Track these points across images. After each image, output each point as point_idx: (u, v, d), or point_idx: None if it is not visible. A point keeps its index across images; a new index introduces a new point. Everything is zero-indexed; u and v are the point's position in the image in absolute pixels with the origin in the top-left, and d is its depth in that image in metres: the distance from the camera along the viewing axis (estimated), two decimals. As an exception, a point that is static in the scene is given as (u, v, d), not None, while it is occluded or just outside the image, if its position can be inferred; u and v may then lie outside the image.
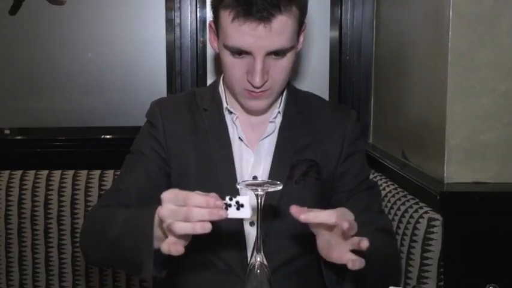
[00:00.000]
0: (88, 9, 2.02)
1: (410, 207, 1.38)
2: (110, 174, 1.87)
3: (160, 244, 1.04)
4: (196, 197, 0.92)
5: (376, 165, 1.75)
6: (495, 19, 1.31)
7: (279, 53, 1.18)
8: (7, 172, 1.89)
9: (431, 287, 1.28)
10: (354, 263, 0.95)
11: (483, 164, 1.35)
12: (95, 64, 2.04)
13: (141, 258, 1.05)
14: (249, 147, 1.31)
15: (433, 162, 1.42)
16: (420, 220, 1.31)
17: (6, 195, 1.86)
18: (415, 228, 1.32)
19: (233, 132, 1.32)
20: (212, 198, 0.91)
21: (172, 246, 0.93)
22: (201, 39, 2.03)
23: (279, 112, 1.32)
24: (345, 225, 0.94)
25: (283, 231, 1.26)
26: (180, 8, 2.03)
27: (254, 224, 1.25)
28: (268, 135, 1.32)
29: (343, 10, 2.03)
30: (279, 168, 1.28)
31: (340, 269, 1.07)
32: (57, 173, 1.88)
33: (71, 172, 1.88)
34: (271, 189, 0.95)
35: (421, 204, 1.36)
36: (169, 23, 2.03)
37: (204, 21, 2.03)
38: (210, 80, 2.05)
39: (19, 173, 1.89)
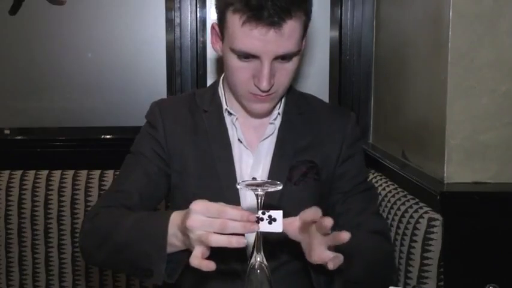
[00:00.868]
0: (88, 9, 2.02)
1: (410, 207, 1.38)
2: (110, 174, 1.87)
3: (171, 250, 1.05)
4: (232, 210, 0.94)
5: (376, 165, 1.75)
6: (495, 19, 1.31)
7: (285, 57, 1.18)
8: (7, 172, 1.89)
9: (431, 287, 1.28)
10: (333, 261, 0.96)
11: (483, 164, 1.35)
12: (95, 64, 2.04)
13: (152, 264, 1.06)
14: (248, 148, 1.31)
15: (433, 162, 1.42)
16: (420, 220, 1.31)
17: (6, 195, 1.86)
18: (415, 228, 1.32)
19: (233, 134, 1.32)
20: (246, 212, 0.94)
21: (203, 263, 0.94)
22: (201, 39, 2.03)
23: (278, 113, 1.32)
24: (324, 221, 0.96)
25: (283, 231, 1.26)
26: (180, 8, 2.02)
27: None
28: (268, 137, 1.32)
29: (343, 10, 2.03)
30: (278, 169, 1.28)
31: (328, 270, 1.08)
32: (57, 173, 1.88)
33: (71, 172, 1.88)
34: (271, 189, 0.96)
35: (421, 204, 1.36)
36: (169, 23, 2.03)
37: (204, 21, 2.03)
38: (210, 80, 2.05)
39: (19, 173, 1.89)
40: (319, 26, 2.03)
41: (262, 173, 1.29)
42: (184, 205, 1.10)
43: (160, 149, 1.31)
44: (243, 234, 0.96)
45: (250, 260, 1.00)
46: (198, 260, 0.95)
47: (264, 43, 1.13)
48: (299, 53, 1.21)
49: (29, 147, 2.04)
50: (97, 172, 1.88)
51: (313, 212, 0.99)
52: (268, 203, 1.21)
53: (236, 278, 1.26)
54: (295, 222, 1.03)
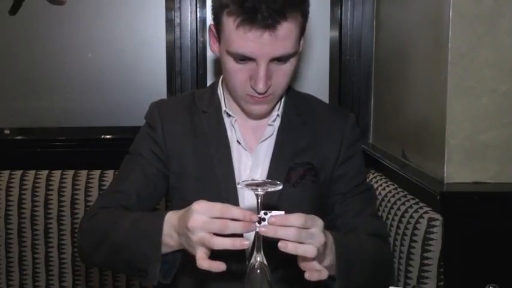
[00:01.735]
0: (88, 9, 2.02)
1: (410, 207, 1.38)
2: (109, 174, 1.87)
3: (166, 250, 1.05)
4: (234, 210, 0.94)
5: (376, 165, 1.75)
6: (495, 19, 1.31)
7: (282, 59, 1.17)
8: (7, 172, 1.89)
9: (431, 287, 1.28)
10: (311, 274, 0.97)
11: (483, 164, 1.35)
12: (95, 64, 2.04)
13: (147, 265, 1.06)
14: (247, 150, 1.31)
15: (433, 162, 1.41)
16: (420, 220, 1.31)
17: (6, 195, 1.86)
18: (415, 228, 1.32)
19: (232, 135, 1.31)
20: (249, 212, 0.93)
21: (214, 265, 0.94)
22: (201, 39, 2.03)
23: (278, 115, 1.32)
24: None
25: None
26: (180, 8, 2.02)
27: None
28: (267, 138, 1.31)
29: (343, 10, 2.03)
30: (277, 171, 1.28)
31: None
32: (57, 173, 1.88)
33: (71, 172, 1.88)
34: (270, 189, 0.95)
35: (421, 204, 1.36)
36: (169, 23, 2.03)
37: (204, 21, 2.03)
38: (210, 80, 2.05)
39: (19, 173, 1.89)
40: (319, 26, 2.03)
41: (261, 174, 1.29)
42: (183, 206, 1.11)
43: (159, 150, 1.31)
44: (241, 235, 0.96)
45: (250, 260, 1.00)
46: (207, 262, 0.94)
47: (259, 45, 1.13)
48: (296, 54, 1.20)
49: (29, 147, 2.04)
50: (97, 172, 1.88)
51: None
52: (266, 204, 1.21)
53: (235, 278, 1.26)
54: None
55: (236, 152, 1.31)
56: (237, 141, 1.31)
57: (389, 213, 1.46)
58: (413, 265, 1.32)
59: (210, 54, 2.04)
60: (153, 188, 1.30)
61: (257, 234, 0.98)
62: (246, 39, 1.13)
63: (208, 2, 2.02)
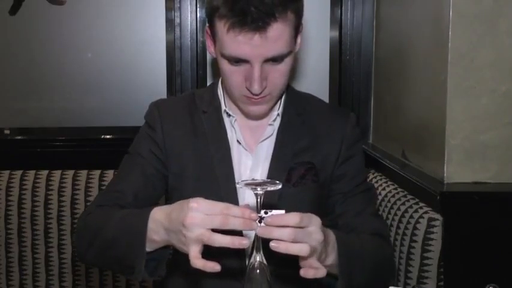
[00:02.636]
0: (88, 9, 2.02)
1: (410, 207, 1.38)
2: (109, 174, 1.88)
3: (152, 247, 1.04)
4: (234, 208, 0.94)
5: (376, 165, 1.75)
6: (495, 19, 1.31)
7: (276, 59, 1.17)
8: (7, 172, 1.90)
9: (431, 287, 1.28)
10: (306, 271, 0.98)
11: (483, 164, 1.35)
12: (95, 64, 2.04)
13: (133, 261, 1.06)
14: (247, 150, 1.31)
15: (433, 162, 1.41)
16: (420, 220, 1.31)
17: (6, 195, 1.86)
18: (415, 228, 1.32)
19: (232, 135, 1.31)
20: (248, 210, 0.93)
21: (208, 265, 0.93)
22: (201, 39, 2.03)
23: (278, 114, 1.32)
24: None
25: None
26: (180, 8, 2.03)
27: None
28: (267, 138, 1.31)
29: (343, 10, 2.03)
30: (277, 171, 1.27)
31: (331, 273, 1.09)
32: (57, 173, 1.88)
33: (71, 172, 1.88)
34: (270, 188, 0.95)
35: (421, 204, 1.36)
36: (169, 23, 2.03)
37: (204, 21, 2.03)
38: (210, 80, 2.05)
39: (19, 173, 1.89)
40: (319, 26, 2.03)
41: (261, 174, 1.29)
42: None
43: (158, 150, 1.31)
44: (241, 234, 0.96)
45: (249, 260, 1.00)
46: (202, 261, 0.94)
47: (251, 47, 1.13)
48: (291, 53, 1.19)
49: (29, 147, 2.04)
50: (97, 172, 1.88)
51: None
52: (267, 204, 1.21)
53: (235, 277, 1.26)
54: None
55: (236, 152, 1.31)
56: (237, 141, 1.31)
57: (389, 213, 1.46)
58: (413, 265, 1.32)
59: (210, 55, 2.04)
60: (151, 188, 1.30)
61: (256, 234, 0.98)
62: (238, 41, 1.13)
63: (209, 2, 2.02)
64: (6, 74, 2.05)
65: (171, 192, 1.33)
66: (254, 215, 0.93)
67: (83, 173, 1.88)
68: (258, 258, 0.98)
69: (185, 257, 0.97)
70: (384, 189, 1.57)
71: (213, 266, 0.93)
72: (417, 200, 1.39)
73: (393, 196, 1.49)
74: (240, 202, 1.27)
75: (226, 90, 1.30)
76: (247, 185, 0.96)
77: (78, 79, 2.05)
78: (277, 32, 1.13)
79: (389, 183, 1.59)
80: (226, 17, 1.12)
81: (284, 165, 1.28)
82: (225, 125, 1.32)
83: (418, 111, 1.55)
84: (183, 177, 1.30)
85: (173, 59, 2.04)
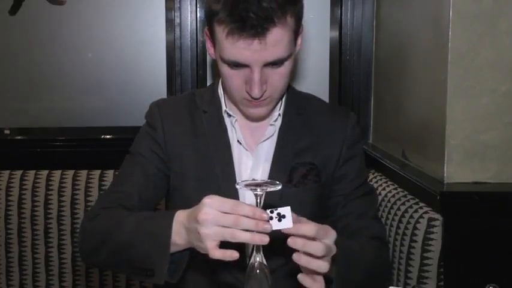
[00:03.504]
0: (88, 9, 2.02)
1: (410, 207, 1.38)
2: (110, 174, 1.87)
3: (174, 249, 1.05)
4: (244, 207, 0.93)
5: (376, 165, 1.75)
6: (495, 19, 1.31)
7: (276, 63, 1.17)
8: (7, 172, 1.90)
9: (431, 287, 1.28)
10: (304, 279, 1.01)
11: (483, 164, 1.35)
12: (95, 64, 2.04)
13: (154, 264, 1.06)
14: (247, 150, 1.31)
15: (433, 162, 1.41)
16: (420, 220, 1.31)
17: (6, 195, 1.86)
18: (415, 228, 1.32)
19: (232, 135, 1.31)
20: (259, 210, 0.93)
21: (227, 253, 0.93)
22: (201, 39, 2.03)
23: (279, 115, 1.32)
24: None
25: (283, 232, 1.26)
26: (180, 8, 2.03)
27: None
28: (268, 138, 1.31)
29: (343, 10, 2.03)
30: (278, 171, 1.27)
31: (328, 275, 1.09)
32: (57, 173, 1.88)
33: (71, 172, 1.88)
34: (270, 189, 0.95)
35: (421, 204, 1.36)
36: (169, 23, 2.03)
37: (204, 21, 2.02)
38: (210, 80, 2.05)
39: (19, 173, 1.89)
40: (319, 26, 2.03)
41: (261, 174, 1.29)
42: (183, 206, 1.10)
43: (159, 150, 1.31)
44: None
45: (249, 260, 1.00)
46: (220, 251, 0.94)
47: (251, 52, 1.13)
48: (291, 56, 1.19)
49: (29, 147, 2.04)
50: (97, 172, 1.88)
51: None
52: (268, 204, 1.20)
53: (235, 278, 1.26)
54: None
55: (237, 152, 1.31)
56: (238, 141, 1.31)
57: (389, 213, 1.46)
58: (413, 265, 1.32)
59: (209, 56, 2.04)
60: (153, 188, 1.30)
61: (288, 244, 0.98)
62: (237, 46, 1.13)
63: (208, 3, 2.02)
64: (6, 74, 2.05)
65: (172, 192, 1.33)
66: (264, 215, 0.93)
67: (83, 173, 1.88)
68: (258, 258, 0.98)
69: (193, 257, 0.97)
70: (384, 189, 1.57)
71: (231, 254, 0.93)
72: (417, 200, 1.39)
73: (393, 196, 1.49)
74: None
75: (227, 92, 1.30)
76: (247, 185, 0.96)
77: (78, 79, 2.05)
78: (277, 37, 1.13)
79: (389, 183, 1.59)
80: (225, 22, 1.12)
81: (285, 166, 1.28)
82: (225, 125, 1.32)
83: (418, 111, 1.55)
84: (183, 176, 1.30)
85: (173, 59, 2.04)
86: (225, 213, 0.94)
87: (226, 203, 0.95)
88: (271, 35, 1.12)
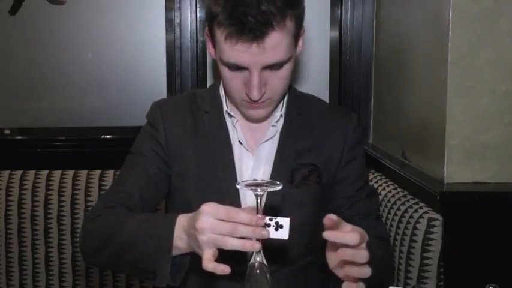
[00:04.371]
0: (88, 9, 2.02)
1: (410, 207, 1.38)
2: (110, 174, 1.87)
3: (176, 253, 1.05)
4: (241, 214, 0.93)
5: (376, 165, 1.75)
6: (495, 19, 1.31)
7: (275, 66, 1.17)
8: (7, 172, 1.90)
9: (431, 287, 1.28)
10: (347, 286, 0.99)
11: (483, 164, 1.35)
12: (95, 64, 2.04)
13: (156, 266, 1.06)
14: (248, 150, 1.31)
15: (433, 162, 1.41)
16: (420, 220, 1.31)
17: (6, 195, 1.86)
18: (415, 228, 1.32)
19: (233, 136, 1.31)
20: (255, 217, 0.93)
21: (219, 267, 0.94)
22: (201, 39, 2.03)
23: (281, 115, 1.32)
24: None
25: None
26: (180, 8, 2.03)
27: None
28: (269, 139, 1.31)
29: (343, 10, 2.03)
30: (279, 172, 1.27)
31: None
32: (57, 173, 1.88)
33: (71, 172, 1.88)
34: (270, 189, 0.95)
35: (421, 204, 1.36)
36: (169, 23, 2.03)
37: (204, 21, 2.03)
38: (210, 80, 2.05)
39: (19, 173, 1.89)
40: (319, 26, 2.03)
41: (262, 175, 1.29)
42: (184, 206, 1.10)
43: (161, 150, 1.31)
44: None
45: (249, 261, 1.00)
46: (213, 263, 0.94)
47: (249, 55, 1.13)
48: (291, 60, 1.19)
49: (29, 147, 2.04)
50: (97, 172, 1.88)
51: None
52: (269, 205, 1.20)
53: (235, 278, 1.26)
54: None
55: (238, 152, 1.31)
56: (239, 141, 1.31)
57: (389, 213, 1.46)
58: (413, 265, 1.32)
59: (210, 54, 2.04)
60: (155, 188, 1.30)
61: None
62: (236, 50, 1.13)
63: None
64: (6, 74, 2.05)
65: (173, 192, 1.33)
66: (261, 221, 0.93)
67: (83, 173, 1.88)
68: (258, 258, 0.98)
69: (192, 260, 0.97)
70: (384, 189, 1.57)
71: (223, 269, 0.94)
72: (417, 200, 1.39)
73: (393, 196, 1.49)
74: (242, 202, 1.27)
75: (227, 93, 1.30)
76: (247, 185, 0.96)
77: (78, 79, 2.05)
78: (275, 41, 1.12)
79: (389, 183, 1.59)
80: (224, 25, 1.12)
81: (287, 166, 1.28)
82: (226, 125, 1.32)
83: (418, 111, 1.55)
84: (184, 177, 1.30)
85: (173, 59, 2.04)
86: (223, 220, 0.94)
87: (222, 210, 0.95)
88: (269, 38, 1.11)
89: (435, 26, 1.41)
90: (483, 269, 1.27)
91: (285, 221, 0.94)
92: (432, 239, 1.27)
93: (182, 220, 1.05)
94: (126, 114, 2.05)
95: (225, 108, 1.32)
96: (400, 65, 1.71)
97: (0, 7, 2.01)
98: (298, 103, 1.36)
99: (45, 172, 1.89)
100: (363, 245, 0.99)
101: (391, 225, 1.43)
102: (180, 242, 1.04)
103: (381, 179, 1.65)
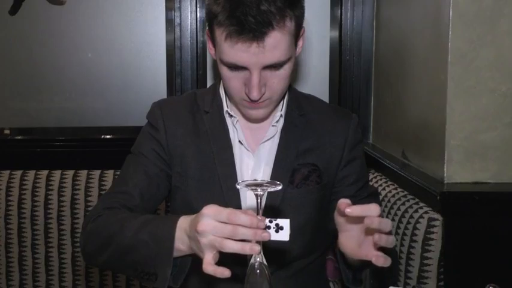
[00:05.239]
0: (88, 9, 2.02)
1: (410, 207, 1.38)
2: (110, 174, 1.87)
3: (177, 255, 1.05)
4: (242, 216, 0.93)
5: (376, 165, 1.75)
6: (495, 19, 1.31)
7: (275, 66, 1.17)
8: (7, 172, 1.90)
9: (431, 287, 1.28)
10: (378, 258, 1.00)
11: (483, 164, 1.35)
12: (95, 64, 2.04)
13: (157, 268, 1.06)
14: (249, 150, 1.30)
15: (433, 162, 1.42)
16: (420, 220, 1.31)
17: (6, 195, 1.86)
18: (415, 228, 1.32)
19: (234, 136, 1.31)
20: (256, 219, 0.93)
21: (218, 270, 0.94)
22: (201, 39, 2.04)
23: (281, 115, 1.32)
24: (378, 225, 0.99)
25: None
26: (180, 8, 2.03)
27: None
28: (269, 139, 1.31)
29: (343, 10, 2.03)
30: (280, 172, 1.27)
31: (358, 269, 1.11)
32: (57, 173, 1.88)
33: (71, 172, 1.88)
34: (270, 189, 0.95)
35: (421, 204, 1.36)
36: (169, 23, 2.03)
37: (204, 21, 2.03)
38: (210, 80, 2.05)
39: (19, 173, 1.89)
40: (319, 26, 2.03)
41: (263, 175, 1.29)
42: (184, 206, 1.10)
43: (161, 150, 1.31)
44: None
45: (250, 261, 1.00)
46: (213, 266, 0.95)
47: (249, 55, 1.13)
48: (291, 59, 1.19)
49: (29, 147, 2.04)
50: (97, 172, 1.88)
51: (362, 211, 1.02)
52: (270, 205, 1.20)
53: (235, 278, 1.26)
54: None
55: (238, 152, 1.30)
56: (239, 141, 1.31)
57: (389, 213, 1.46)
58: (413, 265, 1.32)
59: (210, 55, 2.04)
60: (156, 188, 1.30)
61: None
62: (236, 49, 1.13)
63: (209, 2, 2.02)
64: (6, 74, 2.05)
65: (173, 192, 1.33)
66: (262, 224, 0.93)
67: (83, 173, 1.88)
68: (258, 258, 0.98)
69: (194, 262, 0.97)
70: (384, 189, 1.57)
71: (223, 272, 0.94)
72: (417, 200, 1.39)
73: (393, 196, 1.49)
74: (243, 202, 1.27)
75: (227, 93, 1.30)
76: (247, 185, 0.96)
77: (78, 79, 2.05)
78: (275, 41, 1.12)
79: (389, 183, 1.59)
80: (224, 25, 1.12)
81: (287, 166, 1.28)
82: (227, 125, 1.32)
83: (418, 111, 1.55)
84: (185, 177, 1.30)
85: (173, 59, 2.04)
86: (224, 223, 0.94)
87: (223, 212, 0.95)
88: (269, 38, 1.11)
89: (435, 26, 1.41)
90: (483, 269, 1.27)
91: (285, 223, 0.94)
92: (432, 239, 1.27)
93: (183, 222, 1.05)
94: (126, 114, 2.06)
95: (225, 108, 1.32)
96: (400, 65, 1.71)
97: (0, 7, 2.01)
98: (298, 103, 1.36)
99: (45, 172, 1.89)
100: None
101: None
102: (181, 244, 1.04)
103: (381, 179, 1.65)
